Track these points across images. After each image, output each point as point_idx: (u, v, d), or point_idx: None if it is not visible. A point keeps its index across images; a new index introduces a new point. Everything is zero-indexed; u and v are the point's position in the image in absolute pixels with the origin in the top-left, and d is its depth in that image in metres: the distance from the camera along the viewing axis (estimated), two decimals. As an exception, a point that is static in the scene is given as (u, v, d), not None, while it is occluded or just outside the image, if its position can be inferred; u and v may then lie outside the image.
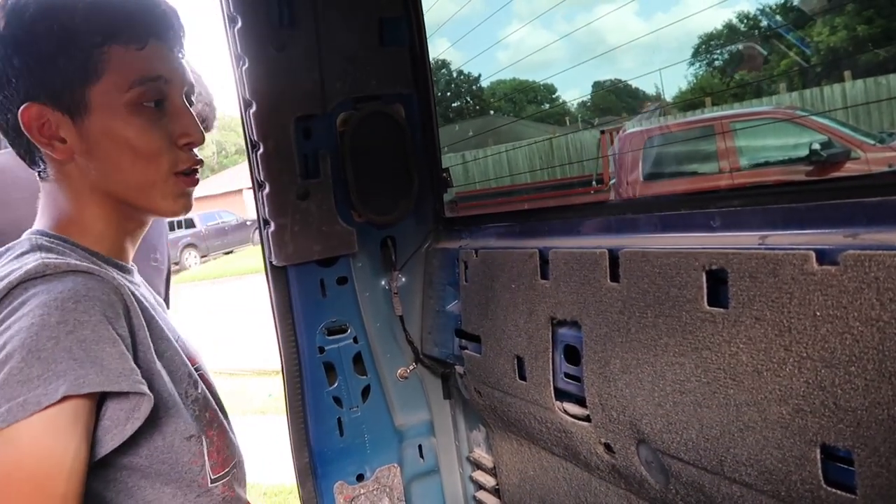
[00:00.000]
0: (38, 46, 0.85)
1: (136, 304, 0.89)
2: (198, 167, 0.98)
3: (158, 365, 0.92)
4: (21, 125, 0.87)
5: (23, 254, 0.88)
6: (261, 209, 1.56)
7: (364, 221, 1.66)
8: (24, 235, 0.94)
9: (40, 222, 0.97)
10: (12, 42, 0.85)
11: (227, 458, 1.01)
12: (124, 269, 1.01)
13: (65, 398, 0.74)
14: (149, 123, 0.91)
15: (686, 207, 1.06)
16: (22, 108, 0.86)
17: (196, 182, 0.98)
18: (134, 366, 0.82)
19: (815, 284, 0.77)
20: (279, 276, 1.60)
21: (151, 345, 0.91)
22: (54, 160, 0.91)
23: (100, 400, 0.80)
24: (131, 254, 1.05)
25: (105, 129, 0.89)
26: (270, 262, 1.58)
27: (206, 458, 0.97)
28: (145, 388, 0.82)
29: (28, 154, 0.93)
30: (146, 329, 0.90)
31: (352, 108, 1.61)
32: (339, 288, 1.67)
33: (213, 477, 0.98)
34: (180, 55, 0.96)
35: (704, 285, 0.91)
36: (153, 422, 0.86)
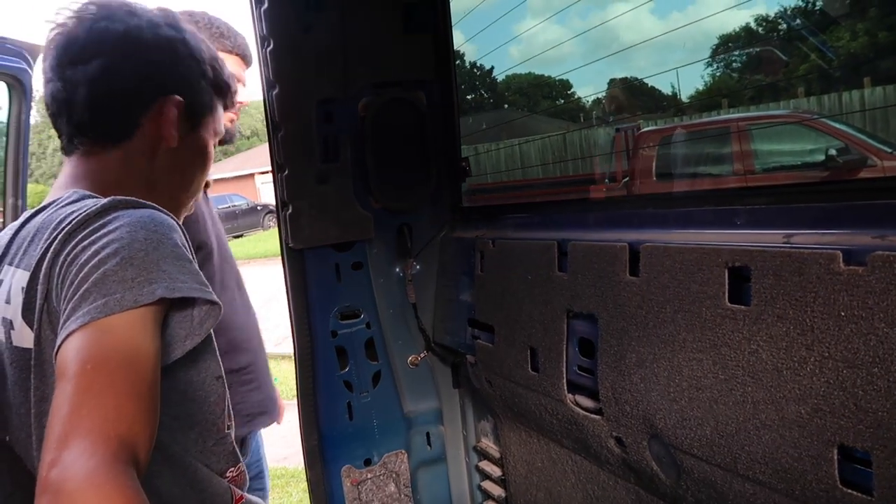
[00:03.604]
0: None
1: None
2: None
3: None
4: (164, 106, 1.02)
5: (74, 201, 0.95)
6: (279, 191, 1.57)
7: (381, 207, 1.66)
8: (64, 193, 0.99)
9: (79, 185, 1.02)
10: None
11: (229, 415, 1.07)
12: None
13: (158, 301, 0.82)
14: (212, 155, 1.14)
15: (709, 204, 1.06)
16: (175, 96, 1.03)
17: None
18: (206, 281, 0.91)
19: (840, 284, 0.77)
20: (295, 259, 1.61)
21: None
22: (148, 143, 1.04)
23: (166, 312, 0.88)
24: None
25: (196, 141, 1.10)
26: (287, 245, 1.58)
27: (227, 403, 1.01)
28: (218, 300, 0.90)
29: (123, 126, 1.04)
30: None
31: (374, 93, 1.61)
32: (354, 273, 1.67)
33: (228, 423, 1.02)
34: None
35: (726, 282, 0.91)
36: (194, 353, 0.93)
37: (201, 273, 0.91)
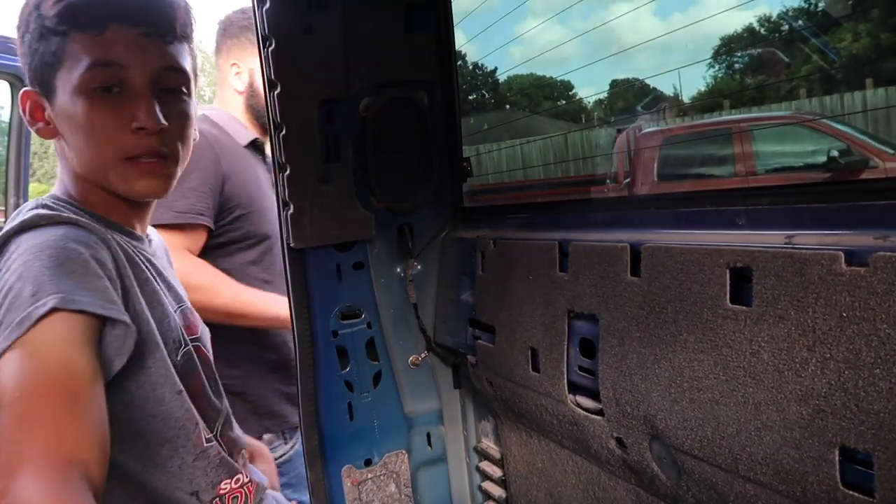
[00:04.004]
0: (27, 37, 0.97)
1: (126, 260, 0.96)
2: (152, 154, 1.01)
3: (148, 314, 0.95)
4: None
5: (27, 211, 0.97)
6: (281, 191, 1.57)
7: (382, 207, 1.66)
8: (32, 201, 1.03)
9: (56, 185, 1.07)
10: (20, 37, 0.97)
11: (209, 428, 1.05)
12: (133, 237, 1.05)
13: (55, 311, 0.80)
14: (97, 107, 0.96)
15: (711, 204, 1.06)
16: (20, 93, 1.00)
17: (150, 169, 1.02)
18: (118, 300, 0.88)
19: (842, 285, 0.77)
20: (297, 259, 1.61)
21: (142, 298, 0.97)
22: (50, 140, 1.04)
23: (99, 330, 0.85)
24: (139, 225, 1.09)
25: (61, 111, 0.98)
26: (289, 245, 1.58)
27: (199, 417, 0.99)
28: (129, 320, 0.88)
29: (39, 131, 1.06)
30: (136, 286, 0.97)
31: (375, 93, 1.61)
32: (355, 273, 1.67)
33: (207, 437, 1.00)
34: (158, 41, 1.00)
35: (728, 283, 0.91)
36: (143, 369, 0.91)
37: (112, 291, 0.88)
